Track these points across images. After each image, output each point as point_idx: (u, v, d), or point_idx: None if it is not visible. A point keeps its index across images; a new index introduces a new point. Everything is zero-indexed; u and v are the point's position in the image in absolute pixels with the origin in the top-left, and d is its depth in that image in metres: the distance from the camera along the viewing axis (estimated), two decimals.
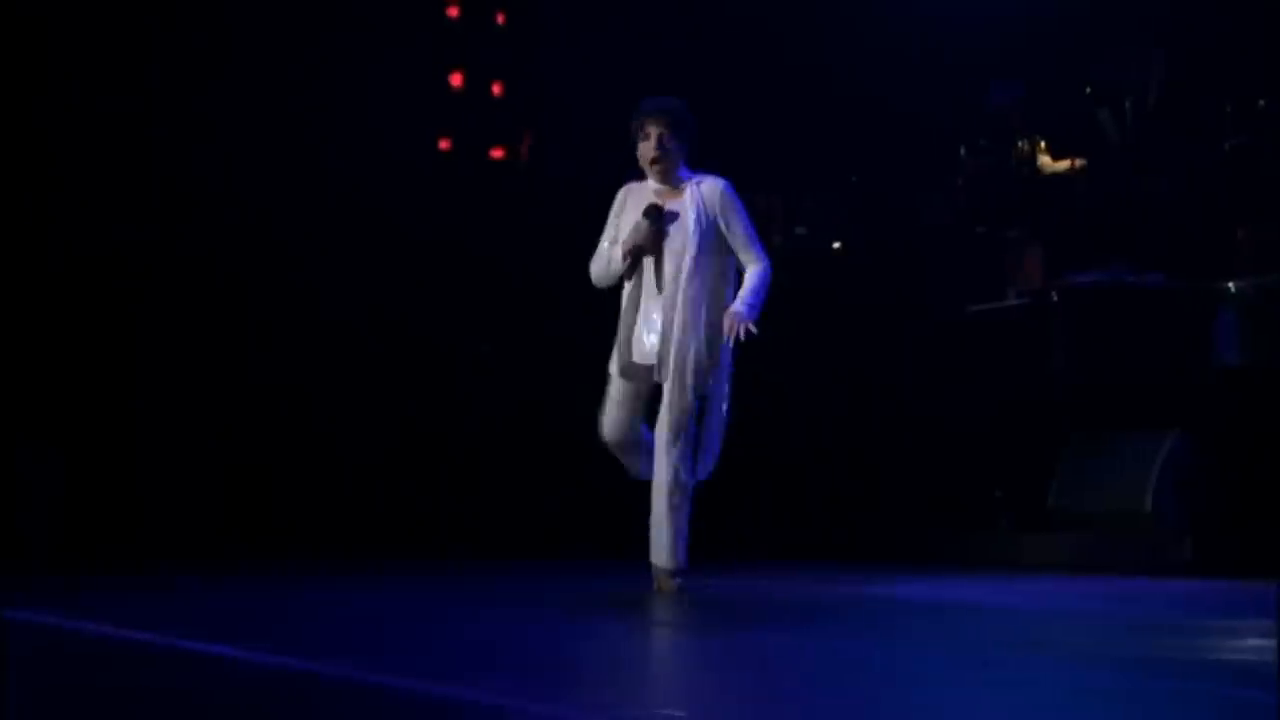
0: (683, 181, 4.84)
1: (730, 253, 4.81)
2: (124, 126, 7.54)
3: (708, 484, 7.32)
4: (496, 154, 8.40)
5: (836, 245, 7.72)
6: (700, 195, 4.81)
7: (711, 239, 4.79)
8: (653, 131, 4.80)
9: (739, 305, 4.71)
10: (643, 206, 4.81)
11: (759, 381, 7.41)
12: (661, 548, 4.80)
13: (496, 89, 8.44)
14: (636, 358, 4.82)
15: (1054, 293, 6.43)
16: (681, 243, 4.77)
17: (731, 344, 4.74)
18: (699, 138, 4.88)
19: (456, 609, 4.75)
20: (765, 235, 7.88)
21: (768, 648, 3.70)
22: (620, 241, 4.80)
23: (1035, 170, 7.27)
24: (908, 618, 4.40)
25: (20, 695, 3.25)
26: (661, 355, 4.76)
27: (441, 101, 8.37)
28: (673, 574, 4.79)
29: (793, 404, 7.26)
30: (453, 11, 8.37)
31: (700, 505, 7.36)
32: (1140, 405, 6.02)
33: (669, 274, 4.78)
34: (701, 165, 7.79)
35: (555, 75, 8.05)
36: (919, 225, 7.49)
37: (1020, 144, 7.17)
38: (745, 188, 7.87)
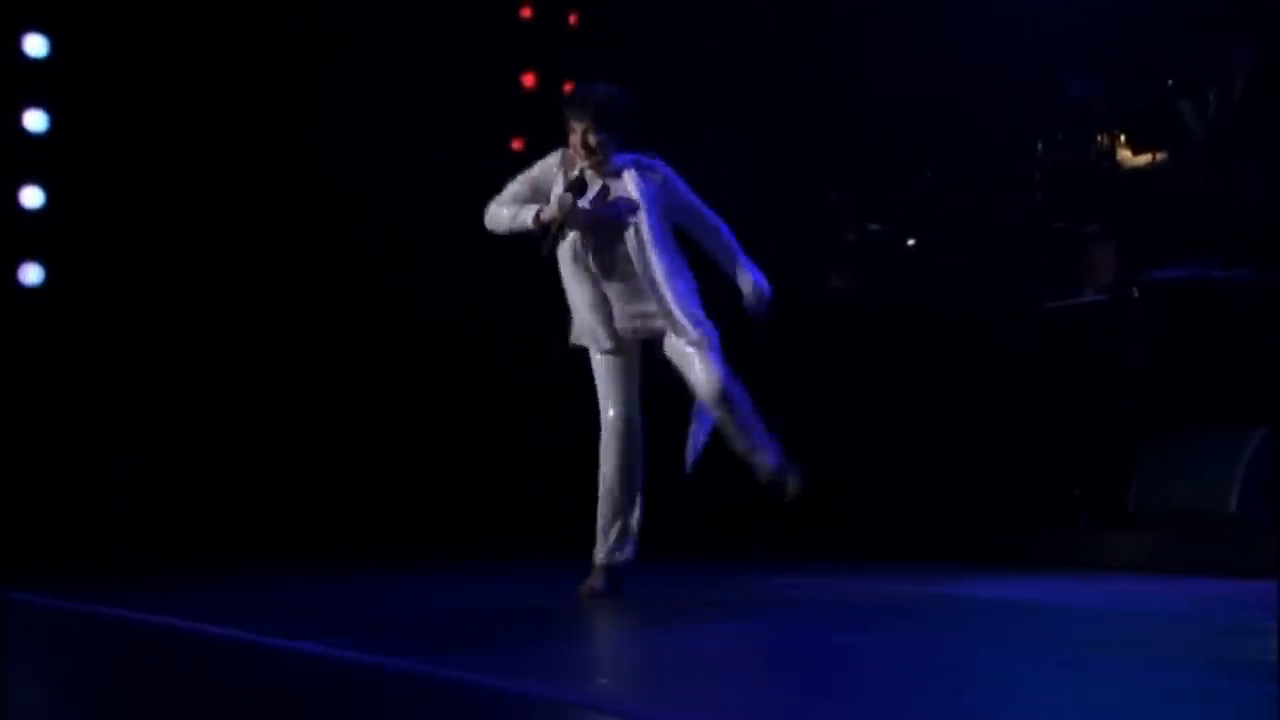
0: (619, 166, 4.79)
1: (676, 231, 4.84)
2: (206, 132, 7.68)
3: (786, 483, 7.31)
4: None
5: (911, 241, 7.66)
6: (641, 175, 4.79)
7: (662, 218, 4.77)
8: (577, 128, 4.75)
9: (756, 298, 4.91)
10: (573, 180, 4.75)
11: (834, 379, 7.41)
12: (767, 456, 4.88)
13: (569, 90, 8.47)
14: (622, 324, 4.79)
15: (1135, 288, 6.33)
16: (635, 221, 4.73)
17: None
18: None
19: (531, 605, 4.76)
20: (839, 232, 7.91)
21: (853, 647, 3.68)
22: (540, 207, 4.73)
23: (1115, 165, 7.15)
24: (992, 618, 4.37)
25: (101, 687, 3.31)
26: (656, 310, 4.75)
27: (515, 102, 8.41)
28: (786, 470, 4.91)
29: (868, 402, 7.21)
30: (526, 12, 8.42)
31: (778, 505, 7.35)
32: (1225, 403, 5.91)
33: (628, 252, 4.74)
34: (777, 161, 7.79)
35: (627, 76, 8.05)
36: (995, 221, 7.40)
37: (1099, 138, 7.06)
38: (820, 184, 7.89)
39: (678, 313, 4.75)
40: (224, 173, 7.72)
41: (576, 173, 4.75)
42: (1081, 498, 6.28)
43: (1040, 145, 7.24)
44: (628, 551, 4.80)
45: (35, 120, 7.52)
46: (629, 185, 4.76)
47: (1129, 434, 6.14)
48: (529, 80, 8.36)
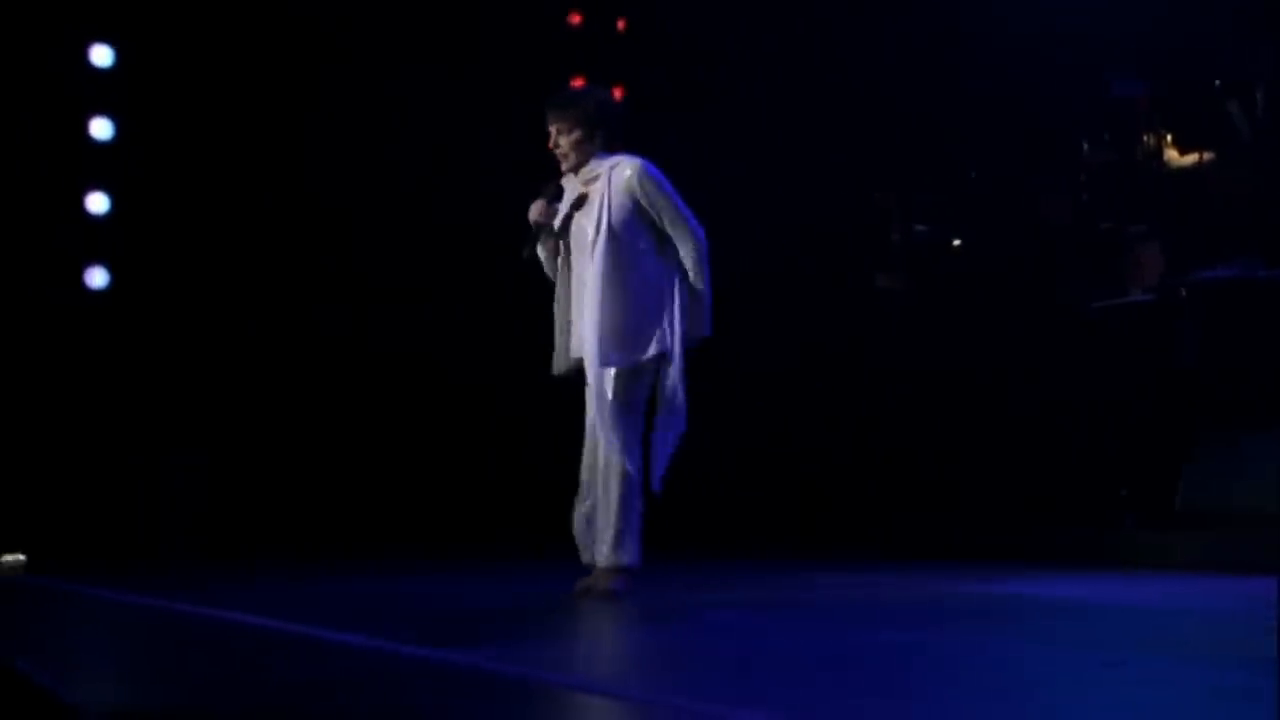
0: (598, 168, 4.68)
1: (657, 232, 4.63)
2: (266, 139, 7.75)
3: (827, 479, 7.27)
4: None
5: (956, 242, 7.59)
6: (611, 178, 4.63)
7: (626, 220, 4.60)
8: (551, 130, 4.73)
9: (690, 329, 4.58)
10: (572, 194, 4.71)
11: (880, 378, 7.36)
12: (602, 543, 4.55)
13: (617, 94, 8.47)
14: (573, 350, 4.69)
15: (1182, 288, 6.23)
16: (591, 228, 4.61)
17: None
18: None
19: (570, 601, 4.74)
20: (885, 233, 7.85)
21: (903, 645, 3.65)
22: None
23: (1161, 165, 7.05)
24: (1039, 616, 4.33)
25: (162, 679, 3.33)
26: (588, 341, 4.60)
27: None
28: (617, 573, 4.54)
29: (915, 401, 7.16)
30: (575, 19, 8.43)
31: (821, 501, 7.27)
32: (1272, 402, 5.80)
33: (583, 261, 4.63)
34: (824, 163, 7.73)
35: (674, 80, 8.04)
36: (1040, 221, 7.32)
37: (1146, 138, 6.95)
38: (865, 184, 7.84)
39: (602, 351, 4.53)
40: (282, 179, 7.80)
41: (579, 189, 4.70)
42: (1128, 497, 6.20)
43: (1086, 146, 7.15)
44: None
45: (101, 128, 7.63)
46: (598, 190, 4.65)
47: (1175, 434, 6.05)
48: (578, 85, 8.36)
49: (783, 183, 7.62)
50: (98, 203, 7.65)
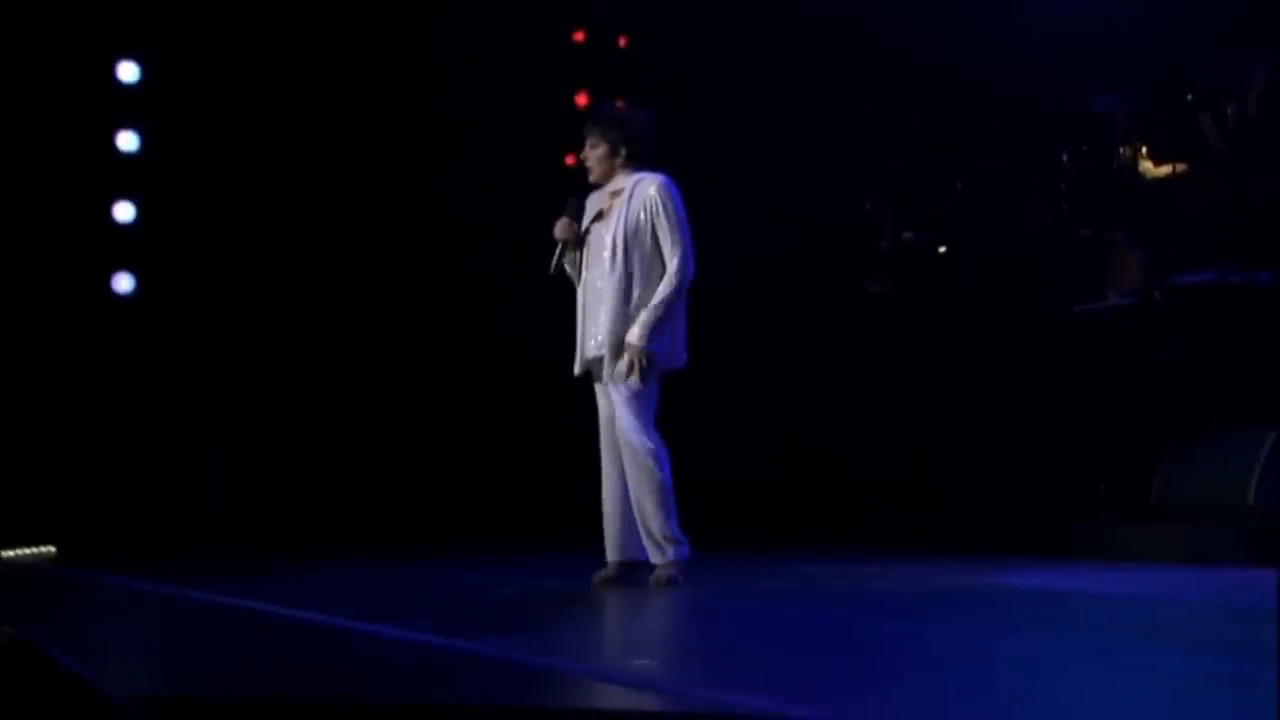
0: (623, 182, 4.74)
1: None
2: (280, 151, 7.78)
3: (825, 476, 7.29)
4: None
5: (943, 249, 7.62)
6: (634, 192, 4.69)
7: (639, 233, 4.64)
8: (585, 142, 4.80)
9: (629, 338, 4.59)
10: (594, 208, 4.79)
11: (870, 380, 7.39)
12: (650, 543, 4.62)
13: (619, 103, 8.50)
14: (588, 352, 4.74)
15: (1158, 292, 6.27)
16: (608, 237, 4.66)
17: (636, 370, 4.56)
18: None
19: (591, 591, 4.78)
20: (875, 240, 7.88)
21: (889, 633, 3.67)
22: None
23: (1137, 176, 7.08)
24: (1024, 605, 4.35)
25: (200, 670, 3.36)
26: (603, 349, 4.66)
27: (568, 120, 8.45)
28: (671, 566, 4.60)
29: (903, 400, 7.19)
30: (579, 36, 8.47)
31: (814, 497, 7.27)
32: (1244, 401, 5.84)
33: (597, 269, 4.69)
34: (818, 174, 7.76)
35: (675, 94, 8.07)
36: (1023, 229, 7.35)
37: (1123, 150, 6.99)
38: (856, 194, 7.86)
39: (613, 361, 4.57)
40: (300, 190, 7.84)
41: (605, 200, 4.77)
42: (1106, 492, 6.24)
43: (1066, 157, 7.18)
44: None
45: (127, 141, 7.67)
46: (622, 203, 4.70)
47: (1151, 431, 6.09)
48: (581, 99, 8.40)
49: (780, 193, 7.66)
50: (124, 212, 7.69)
